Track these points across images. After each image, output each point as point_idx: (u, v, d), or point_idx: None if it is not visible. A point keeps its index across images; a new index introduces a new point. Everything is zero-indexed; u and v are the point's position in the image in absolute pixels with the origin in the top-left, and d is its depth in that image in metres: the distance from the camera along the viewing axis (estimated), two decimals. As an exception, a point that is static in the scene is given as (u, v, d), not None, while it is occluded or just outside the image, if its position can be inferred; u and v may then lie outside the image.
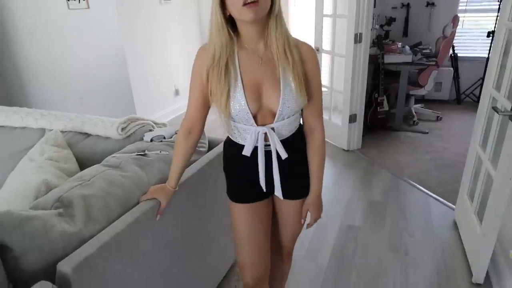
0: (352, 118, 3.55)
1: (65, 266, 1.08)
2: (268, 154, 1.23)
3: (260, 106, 1.17)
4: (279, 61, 1.12)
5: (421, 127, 4.21)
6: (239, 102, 1.14)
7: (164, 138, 1.77)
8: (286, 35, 1.12)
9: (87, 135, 1.99)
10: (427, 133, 4.03)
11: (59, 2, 3.94)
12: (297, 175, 1.31)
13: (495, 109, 1.75)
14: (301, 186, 1.34)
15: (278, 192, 1.28)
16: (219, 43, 1.10)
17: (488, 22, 4.91)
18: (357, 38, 3.21)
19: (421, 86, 4.25)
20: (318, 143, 1.28)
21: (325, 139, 1.31)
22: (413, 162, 3.35)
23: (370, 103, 3.96)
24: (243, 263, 1.36)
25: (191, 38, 5.07)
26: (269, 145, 1.21)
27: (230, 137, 1.30)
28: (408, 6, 5.00)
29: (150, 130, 1.87)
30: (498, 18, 4.24)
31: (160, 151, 1.61)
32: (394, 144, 3.77)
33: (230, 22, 1.11)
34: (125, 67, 4.06)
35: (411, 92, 4.32)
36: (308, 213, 1.37)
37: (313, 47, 1.22)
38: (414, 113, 4.39)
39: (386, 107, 4.03)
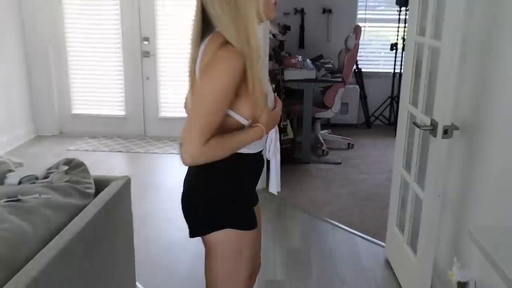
0: (254, 149, 4.04)
1: None
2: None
3: None
4: None
5: (333, 157, 4.98)
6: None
7: (37, 178, 1.89)
8: None
9: None
10: (340, 163, 4.80)
11: None
12: None
13: (415, 124, 2.40)
14: None
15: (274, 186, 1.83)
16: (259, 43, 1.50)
17: (389, 33, 6.19)
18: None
19: (327, 108, 5.06)
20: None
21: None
22: (330, 198, 3.98)
23: (271, 130, 4.54)
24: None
25: (9, 51, 5.02)
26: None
27: (244, 152, 1.58)
28: (302, 12, 5.95)
29: (10, 171, 1.97)
30: (405, 30, 5.41)
31: (40, 195, 1.75)
32: (306, 179, 4.39)
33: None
34: None
35: (316, 115, 5.10)
36: None
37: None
38: (322, 141, 5.17)
39: (290, 134, 4.68)
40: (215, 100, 1.44)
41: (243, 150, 1.57)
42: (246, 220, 1.66)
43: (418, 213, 2.53)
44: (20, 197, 1.72)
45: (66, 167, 2.00)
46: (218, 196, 1.62)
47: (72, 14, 5.32)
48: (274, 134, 1.75)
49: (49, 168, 2.03)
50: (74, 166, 2.07)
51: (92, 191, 2.01)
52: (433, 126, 2.24)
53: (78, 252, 1.70)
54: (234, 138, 1.51)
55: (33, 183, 1.87)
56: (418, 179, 2.60)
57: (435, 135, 2.23)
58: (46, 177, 1.93)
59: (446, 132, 2.16)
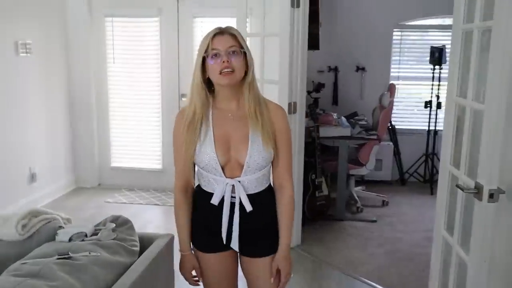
0: (290, 206, 4.02)
1: None
2: (232, 206, 1.87)
3: (229, 158, 1.86)
4: (250, 120, 1.84)
5: (367, 214, 4.91)
6: (209, 153, 1.83)
7: (86, 236, 1.93)
8: (258, 98, 1.87)
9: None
10: (376, 221, 4.72)
11: None
12: (262, 232, 1.93)
13: (459, 186, 2.36)
14: (266, 244, 1.95)
15: (234, 244, 1.89)
16: (199, 102, 1.83)
17: (422, 91, 6.21)
18: (292, 108, 3.84)
19: (361, 165, 5.04)
20: (287, 200, 1.93)
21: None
22: (367, 257, 3.89)
23: (306, 187, 4.53)
24: None
25: (56, 104, 5.24)
26: (235, 197, 1.86)
27: (200, 185, 1.95)
28: (336, 70, 6.05)
29: (60, 227, 2.01)
30: (438, 89, 5.41)
31: (90, 252, 1.78)
32: (341, 237, 4.32)
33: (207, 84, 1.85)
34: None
35: (350, 172, 5.07)
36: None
37: (282, 107, 1.99)
38: (357, 198, 5.11)
39: (325, 191, 4.65)
40: (173, 151, 1.95)
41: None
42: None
43: (463, 278, 2.45)
44: (71, 254, 1.75)
45: (113, 225, 2.03)
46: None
47: (115, 72, 5.55)
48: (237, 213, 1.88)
49: (97, 225, 2.07)
50: (120, 223, 2.11)
51: (137, 248, 2.03)
52: (478, 190, 2.20)
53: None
54: (180, 223, 1.96)
55: (83, 240, 1.91)
56: (461, 242, 2.52)
57: (480, 199, 2.18)
58: (94, 233, 1.97)
59: (492, 196, 2.11)
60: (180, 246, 1.98)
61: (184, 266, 1.98)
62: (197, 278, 1.99)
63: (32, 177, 4.88)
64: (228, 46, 1.76)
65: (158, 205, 5.14)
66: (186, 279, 2.00)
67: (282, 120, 1.90)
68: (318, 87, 5.50)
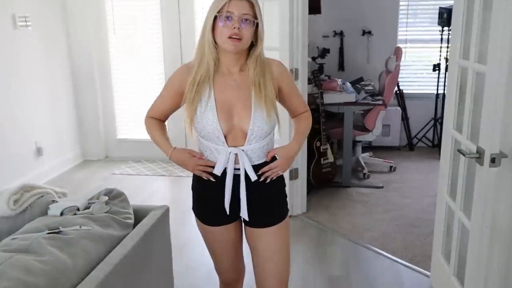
0: (294, 174, 3.98)
1: None
2: (237, 178, 1.85)
3: (231, 126, 1.82)
4: (254, 90, 1.82)
5: (374, 180, 4.86)
6: (211, 121, 1.79)
7: (78, 209, 1.91)
8: (264, 70, 1.84)
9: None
10: (382, 187, 4.68)
11: None
12: (268, 202, 1.94)
13: (460, 151, 2.29)
14: (273, 213, 1.95)
15: (243, 213, 1.89)
16: (211, 59, 1.79)
17: (431, 53, 6.05)
18: (293, 75, 3.75)
19: (368, 131, 4.97)
20: (305, 115, 2.02)
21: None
22: (372, 224, 3.86)
23: (311, 154, 4.48)
24: (217, 270, 2.15)
25: (58, 77, 5.19)
26: (239, 168, 1.84)
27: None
28: (341, 34, 5.90)
29: (54, 201, 1.99)
30: (447, 51, 5.25)
31: (80, 226, 1.76)
32: (346, 204, 4.29)
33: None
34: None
35: (357, 138, 5.01)
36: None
37: (282, 63, 2.00)
38: (364, 164, 5.06)
39: (331, 158, 4.60)
40: (162, 90, 2.00)
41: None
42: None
43: (465, 242, 2.41)
44: (61, 228, 1.74)
45: (106, 198, 2.01)
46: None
47: (117, 43, 5.49)
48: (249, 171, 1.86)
49: (91, 198, 2.05)
50: (114, 196, 2.09)
51: (131, 221, 2.01)
52: (480, 154, 2.13)
53: (117, 284, 1.70)
54: (156, 133, 1.96)
55: (75, 214, 1.89)
56: (464, 207, 2.48)
57: (481, 164, 2.12)
58: (87, 207, 1.95)
59: (493, 161, 2.04)
60: (165, 151, 1.92)
61: (184, 161, 1.89)
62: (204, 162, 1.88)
63: (39, 151, 4.89)
64: (243, 12, 1.72)
65: (164, 175, 5.13)
66: (199, 170, 1.86)
67: (283, 72, 1.93)
68: (323, 52, 5.37)
